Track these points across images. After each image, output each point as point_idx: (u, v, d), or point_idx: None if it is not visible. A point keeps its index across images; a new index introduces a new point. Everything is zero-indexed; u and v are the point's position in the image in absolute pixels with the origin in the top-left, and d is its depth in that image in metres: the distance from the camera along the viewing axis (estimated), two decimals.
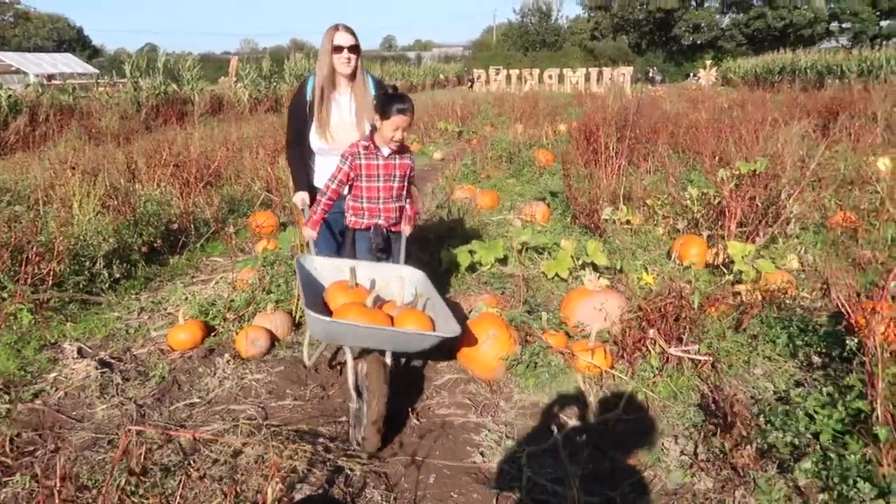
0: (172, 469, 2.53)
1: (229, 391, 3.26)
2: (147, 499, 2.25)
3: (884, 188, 5.79)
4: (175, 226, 5.95)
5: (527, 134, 11.76)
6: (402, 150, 3.27)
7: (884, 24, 48.53)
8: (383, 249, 3.38)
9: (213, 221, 6.24)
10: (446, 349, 3.32)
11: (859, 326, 2.82)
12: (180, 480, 2.43)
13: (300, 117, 3.51)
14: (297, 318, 3.99)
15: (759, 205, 5.24)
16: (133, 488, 2.26)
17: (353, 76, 3.42)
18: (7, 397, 3.18)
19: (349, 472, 2.54)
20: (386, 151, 3.21)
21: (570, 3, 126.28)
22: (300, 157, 3.56)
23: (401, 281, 3.21)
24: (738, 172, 5.52)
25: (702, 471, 2.50)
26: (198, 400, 3.18)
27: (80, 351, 3.72)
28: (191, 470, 2.53)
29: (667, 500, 2.37)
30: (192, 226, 6.00)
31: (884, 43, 39.17)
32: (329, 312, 2.85)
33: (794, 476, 2.41)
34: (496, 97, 21.91)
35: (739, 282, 4.37)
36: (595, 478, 2.52)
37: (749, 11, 50.40)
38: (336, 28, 3.37)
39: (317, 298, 3.00)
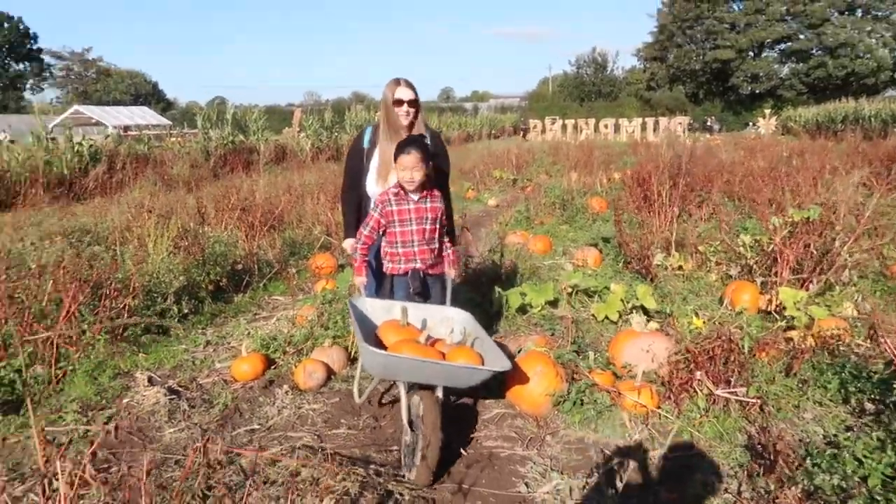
0: (234, 488, 2.70)
1: (287, 419, 3.43)
2: None
3: None
4: (239, 266, 6.26)
5: (581, 182, 11.89)
6: (432, 194, 3.38)
7: None
8: (421, 294, 3.44)
9: (276, 262, 6.56)
10: (495, 386, 3.43)
11: None
12: (242, 498, 2.59)
13: (357, 165, 3.66)
14: (352, 353, 4.17)
15: (814, 252, 5.20)
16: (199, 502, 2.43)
17: (410, 127, 3.55)
18: (84, 419, 3.43)
19: (398, 496, 2.66)
20: (416, 196, 3.32)
21: (625, 54, 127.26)
22: (354, 203, 3.69)
23: (448, 321, 3.31)
24: (791, 220, 5.51)
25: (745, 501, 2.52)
26: (258, 426, 3.36)
27: (150, 379, 3.96)
28: (251, 489, 2.68)
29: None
30: (255, 266, 6.30)
31: None
32: (383, 349, 2.94)
33: None
34: (551, 146, 22.15)
35: (792, 328, 4.34)
36: None
37: (809, 61, 49.74)
38: (398, 82, 3.50)
39: (369, 337, 3.10)
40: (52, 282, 4.33)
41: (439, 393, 2.87)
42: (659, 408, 3.33)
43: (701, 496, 2.63)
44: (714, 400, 3.32)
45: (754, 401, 3.27)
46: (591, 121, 36.12)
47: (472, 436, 3.24)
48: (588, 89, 59.51)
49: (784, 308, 4.50)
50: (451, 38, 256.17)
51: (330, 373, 3.94)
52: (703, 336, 3.93)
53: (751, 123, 41.65)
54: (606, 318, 4.74)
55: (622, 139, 31.00)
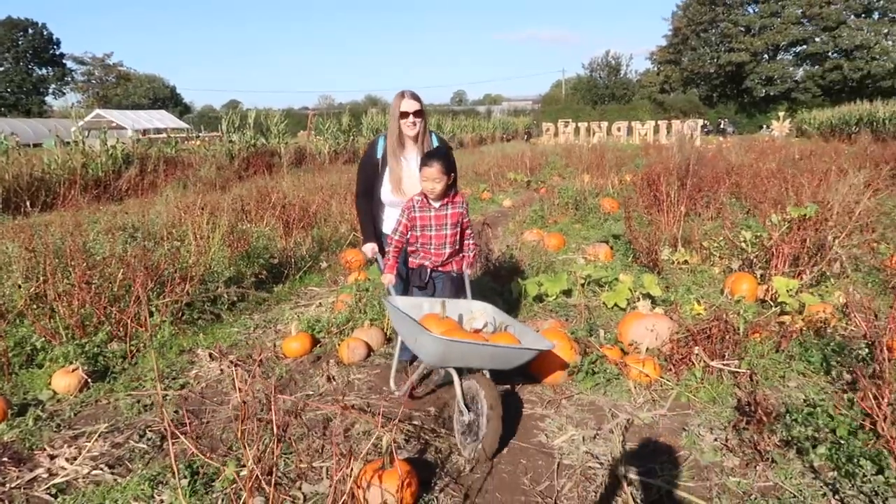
0: (299, 438, 3.21)
1: (336, 387, 3.94)
2: (286, 455, 2.93)
3: None
4: (275, 260, 6.80)
5: (593, 183, 12.33)
6: (453, 200, 3.63)
7: None
8: (421, 287, 3.73)
9: (309, 257, 7.09)
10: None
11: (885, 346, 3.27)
12: (308, 444, 3.10)
13: (369, 174, 3.89)
14: (388, 333, 4.68)
15: (809, 246, 5.65)
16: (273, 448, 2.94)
17: (417, 137, 3.77)
18: (161, 386, 3.96)
19: (437, 445, 3.15)
20: (437, 203, 3.58)
21: (639, 57, 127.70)
22: (368, 210, 3.91)
23: (476, 313, 3.59)
24: (789, 217, 5.96)
25: (730, 452, 3.00)
26: (311, 392, 3.88)
27: (210, 355, 4.50)
28: (314, 438, 3.20)
29: (698, 472, 2.87)
30: (291, 260, 6.84)
31: None
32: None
33: (810, 458, 2.87)
34: (564, 149, 22.59)
35: (785, 314, 4.79)
36: (639, 456, 3.04)
37: (824, 64, 49.77)
38: (402, 95, 3.73)
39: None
40: (121, 270, 4.88)
41: (486, 377, 3.10)
42: (661, 377, 3.80)
43: (693, 443, 3.11)
44: (710, 371, 3.79)
45: (745, 371, 3.74)
46: (604, 124, 36.48)
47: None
48: (601, 92, 59.80)
49: (778, 296, 4.96)
50: (464, 41, 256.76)
51: (370, 349, 4.46)
52: (703, 319, 4.43)
53: (765, 126, 41.78)
54: (616, 305, 5.22)
55: (635, 142, 31.38)
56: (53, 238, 5.66)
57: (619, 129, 35.45)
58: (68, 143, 14.57)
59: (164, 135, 32.23)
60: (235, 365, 4.23)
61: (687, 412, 3.47)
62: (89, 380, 3.97)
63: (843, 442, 2.92)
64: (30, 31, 66.24)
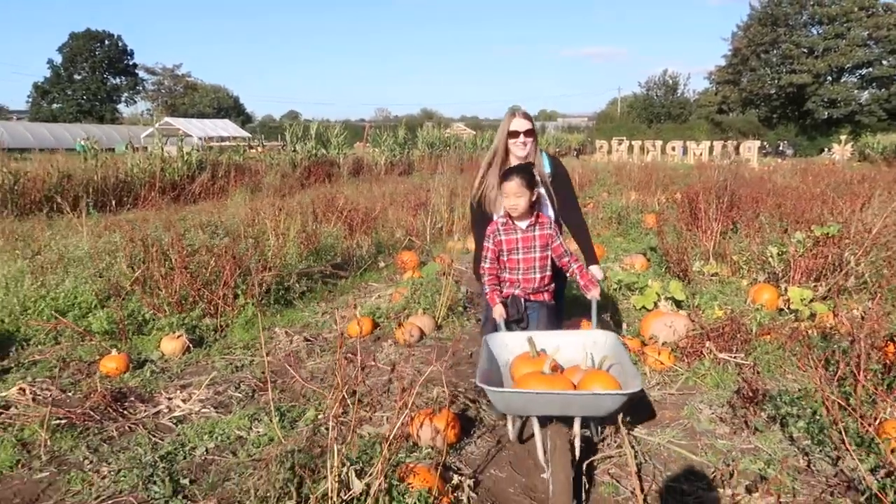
0: (366, 394, 3.91)
1: (394, 360, 4.64)
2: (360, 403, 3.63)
3: None
4: (338, 259, 7.58)
5: (640, 201, 12.81)
6: (540, 221, 3.39)
7: None
8: (518, 321, 3.42)
9: (368, 257, 7.86)
10: None
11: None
12: (374, 398, 3.81)
13: (484, 230, 3.51)
14: (438, 321, 5.37)
15: (830, 262, 6.09)
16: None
17: (527, 158, 3.60)
18: (248, 353, 4.74)
19: (476, 406, 3.81)
20: (523, 224, 3.37)
21: (697, 76, 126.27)
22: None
23: (593, 346, 3.20)
24: (814, 235, 6.41)
25: (722, 422, 3.58)
26: (372, 363, 4.59)
27: (286, 333, 5.26)
28: (376, 396, 3.90)
29: (692, 435, 3.45)
30: (353, 259, 7.61)
31: None
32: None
33: (790, 430, 3.41)
34: (616, 167, 22.94)
35: (799, 321, 5.28)
36: (644, 424, 3.63)
37: (891, 87, 48.58)
38: (514, 114, 3.58)
39: (505, 376, 3.11)
40: (212, 259, 5.70)
41: (576, 426, 2.79)
42: (674, 365, 4.37)
43: (692, 414, 3.69)
44: (717, 362, 4.34)
45: (749, 363, 4.27)
46: (658, 143, 36.51)
47: None
48: (657, 111, 59.63)
49: (792, 304, 5.44)
50: (521, 57, 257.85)
51: (422, 333, 5.15)
52: (720, 321, 4.98)
53: (826, 149, 41.07)
54: (644, 307, 5.78)
55: (689, 162, 31.42)
56: (152, 231, 6.56)
57: (673, 149, 35.47)
58: (137, 148, 15.83)
59: (228, 142, 33.99)
60: (307, 340, 4.98)
61: (692, 393, 4.04)
62: (190, 345, 4.77)
63: (819, 418, 3.45)
64: (106, 42, 70.03)
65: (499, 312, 3.34)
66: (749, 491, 2.81)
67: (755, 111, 55.12)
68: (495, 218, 3.58)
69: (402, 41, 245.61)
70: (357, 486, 2.53)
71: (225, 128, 54.19)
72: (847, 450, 2.89)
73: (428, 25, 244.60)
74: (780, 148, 46.34)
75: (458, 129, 49.92)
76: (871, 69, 50.09)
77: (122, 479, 2.98)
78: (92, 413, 3.60)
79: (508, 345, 3.20)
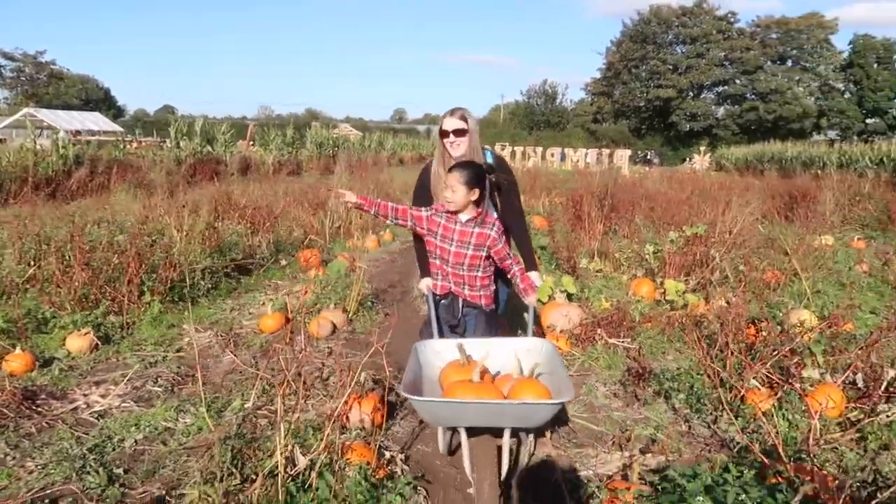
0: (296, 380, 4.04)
1: (310, 353, 4.78)
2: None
3: (798, 258, 7.41)
4: (240, 256, 7.55)
5: (526, 204, 13.50)
6: (484, 220, 3.30)
7: (869, 121, 51.43)
8: (453, 326, 3.40)
9: (270, 255, 7.87)
10: None
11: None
12: (296, 388, 3.95)
13: (423, 200, 3.60)
14: (350, 315, 5.56)
15: (698, 258, 6.85)
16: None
17: (465, 157, 3.48)
18: (160, 349, 4.72)
19: (397, 388, 4.05)
20: (464, 218, 3.30)
21: (574, 87, 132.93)
22: (423, 244, 3.51)
23: (526, 353, 3.01)
24: (685, 235, 7.16)
25: (616, 397, 4.04)
26: (290, 356, 4.70)
27: (196, 330, 5.26)
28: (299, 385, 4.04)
29: (592, 409, 3.88)
30: (255, 257, 7.60)
31: (869, 139, 41.72)
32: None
33: (672, 402, 3.92)
34: None
35: (674, 310, 5.92)
36: None
37: (743, 104, 53.49)
38: (448, 113, 3.54)
39: (434, 382, 2.97)
40: (115, 256, 5.57)
41: (506, 436, 2.64)
42: (570, 350, 4.82)
43: (590, 392, 4.13)
44: (608, 346, 4.84)
45: (635, 347, 4.80)
46: (539, 149, 38.12)
47: None
48: (537, 119, 62.16)
49: (668, 296, 6.09)
50: (407, 61, 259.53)
51: (335, 327, 5.32)
52: (608, 311, 5.51)
53: (688, 159, 44.48)
54: (539, 300, 6.23)
55: (567, 168, 33.12)
56: (44, 228, 6.29)
57: (552, 155, 37.21)
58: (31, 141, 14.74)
59: (99, 137, 32.01)
60: (219, 336, 5.02)
61: (588, 374, 4.50)
62: (98, 343, 4.68)
63: (697, 390, 3.98)
64: None
65: (426, 284, 3.39)
66: (643, 452, 3.24)
67: (626, 122, 58.82)
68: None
69: (288, 39, 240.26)
70: (302, 461, 2.71)
71: (95, 121, 50.57)
72: (725, 409, 3.39)
73: (313, 24, 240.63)
74: (648, 157, 49.69)
75: (346, 129, 49.66)
76: (726, 87, 54.94)
77: (52, 472, 2.97)
78: (5, 411, 3.51)
79: (441, 352, 3.07)
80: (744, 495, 1.96)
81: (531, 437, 2.98)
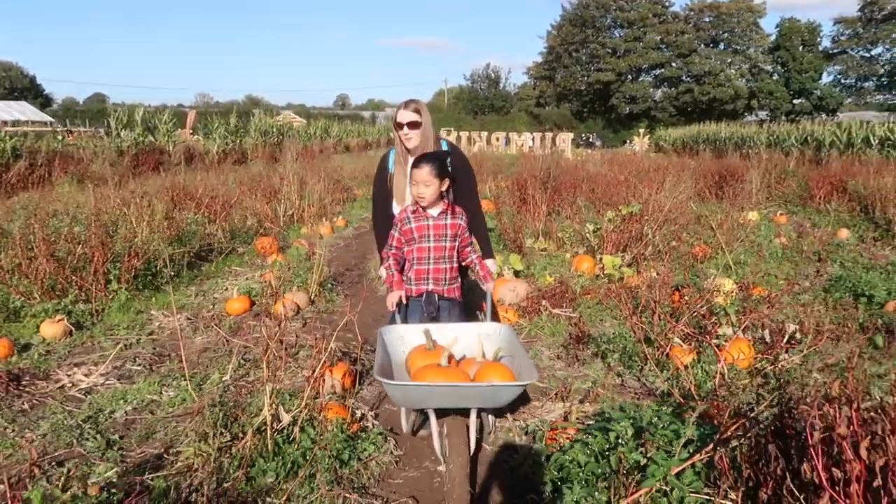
0: (258, 359, 4.38)
1: (275, 331, 5.10)
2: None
3: (723, 232, 8.08)
4: (197, 245, 7.76)
5: None
6: (454, 211, 3.39)
7: (796, 102, 53.82)
8: (435, 318, 3.45)
9: (227, 243, 8.10)
10: None
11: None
12: (268, 361, 4.29)
13: (382, 190, 3.70)
14: (312, 296, 5.90)
15: (634, 235, 7.42)
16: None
17: (417, 149, 3.52)
18: (133, 332, 4.98)
19: (363, 358, 4.43)
20: (434, 212, 3.34)
21: (517, 71, 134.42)
22: (386, 229, 3.54)
23: (487, 338, 3.24)
24: (621, 214, 7.73)
25: (559, 359, 4.52)
26: (258, 335, 5.03)
27: (164, 314, 5.51)
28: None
29: (539, 370, 4.35)
30: (213, 245, 7.83)
31: (796, 118, 43.78)
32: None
33: (608, 361, 4.42)
34: None
35: (611, 282, 6.46)
36: None
37: (678, 86, 55.18)
38: (402, 105, 3.58)
39: (400, 366, 3.13)
40: (80, 246, 5.76)
41: (472, 417, 2.83)
42: (518, 321, 5.29)
43: (536, 356, 4.60)
44: (552, 316, 5.32)
45: (576, 316, 5.30)
46: (484, 133, 38.60)
47: None
48: (482, 103, 62.67)
49: (605, 270, 6.63)
50: (348, 45, 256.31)
51: (298, 308, 5.65)
52: (552, 285, 6.00)
53: (628, 141, 45.74)
54: None
55: (512, 152, 33.74)
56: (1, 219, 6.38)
57: (497, 140, 37.77)
58: None
59: (27, 127, 30.94)
60: (189, 319, 5.30)
61: (534, 340, 4.97)
62: (73, 329, 4.91)
63: (629, 349, 4.50)
64: None
65: (393, 300, 3.32)
66: (581, 402, 3.72)
67: (568, 105, 59.90)
68: (396, 207, 3.65)
69: (223, 23, 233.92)
70: (286, 417, 3.08)
71: (22, 110, 48.60)
72: (651, 363, 3.90)
73: (248, 7, 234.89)
74: (590, 139, 50.79)
75: (289, 116, 49.16)
76: (662, 70, 56.51)
77: (53, 440, 3.26)
78: None
79: (404, 337, 3.22)
80: (657, 418, 2.44)
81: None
